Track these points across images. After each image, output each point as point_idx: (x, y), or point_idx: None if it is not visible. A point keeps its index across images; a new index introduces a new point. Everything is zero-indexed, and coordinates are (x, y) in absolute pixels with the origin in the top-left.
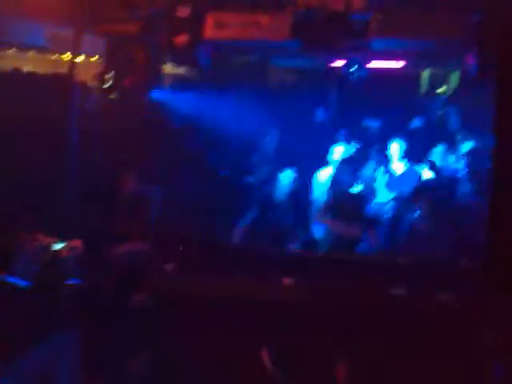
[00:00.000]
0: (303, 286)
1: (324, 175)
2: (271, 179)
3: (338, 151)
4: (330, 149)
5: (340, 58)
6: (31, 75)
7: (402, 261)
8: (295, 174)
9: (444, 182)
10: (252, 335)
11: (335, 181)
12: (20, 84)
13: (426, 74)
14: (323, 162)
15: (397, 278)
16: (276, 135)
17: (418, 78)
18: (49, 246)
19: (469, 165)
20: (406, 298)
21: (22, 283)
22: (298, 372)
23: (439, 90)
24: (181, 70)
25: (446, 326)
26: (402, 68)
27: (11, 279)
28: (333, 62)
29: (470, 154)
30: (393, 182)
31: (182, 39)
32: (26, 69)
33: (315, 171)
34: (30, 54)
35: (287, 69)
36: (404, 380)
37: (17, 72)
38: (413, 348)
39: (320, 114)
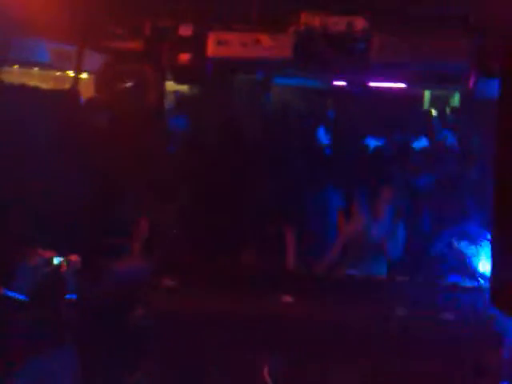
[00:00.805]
0: (303, 304)
1: None
2: None
3: None
4: None
5: (341, 78)
6: (35, 91)
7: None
8: None
9: None
10: (252, 352)
11: None
12: (24, 100)
13: (427, 95)
14: None
15: (397, 298)
16: None
17: (419, 98)
18: (48, 260)
19: None
20: (407, 317)
21: (21, 297)
22: None
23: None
24: (183, 88)
25: (449, 346)
26: (403, 89)
27: (10, 293)
28: (334, 81)
29: None
30: None
31: (184, 58)
32: (31, 85)
33: None
34: (34, 70)
35: (289, 88)
36: None
37: (22, 88)
38: (413, 368)
39: (321, 134)
